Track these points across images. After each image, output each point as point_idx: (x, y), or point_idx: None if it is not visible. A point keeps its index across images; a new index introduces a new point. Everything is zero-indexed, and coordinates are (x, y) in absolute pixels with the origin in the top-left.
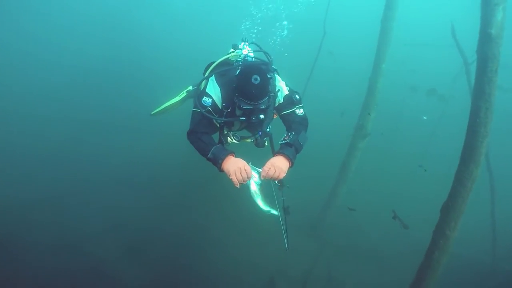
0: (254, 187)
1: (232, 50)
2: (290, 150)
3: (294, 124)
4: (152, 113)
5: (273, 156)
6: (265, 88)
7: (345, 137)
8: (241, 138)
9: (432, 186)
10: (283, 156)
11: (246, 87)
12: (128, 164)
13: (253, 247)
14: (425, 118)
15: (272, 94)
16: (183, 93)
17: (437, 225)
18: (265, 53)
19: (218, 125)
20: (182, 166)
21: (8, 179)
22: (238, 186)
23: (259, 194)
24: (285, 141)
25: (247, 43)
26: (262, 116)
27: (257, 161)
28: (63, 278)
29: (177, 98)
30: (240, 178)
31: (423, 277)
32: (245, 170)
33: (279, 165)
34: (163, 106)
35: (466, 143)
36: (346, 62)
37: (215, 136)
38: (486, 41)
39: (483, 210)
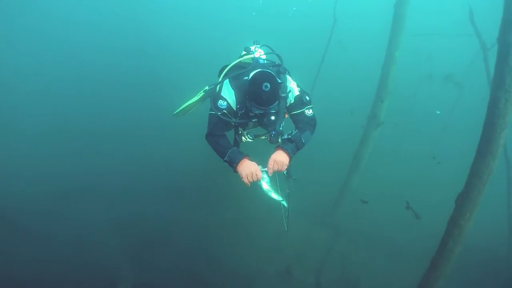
0: (265, 186)
1: (244, 52)
2: (290, 145)
3: (302, 124)
4: (174, 113)
5: (275, 150)
6: (275, 94)
7: (358, 127)
8: (255, 137)
9: (446, 176)
10: (283, 150)
11: (257, 94)
12: (139, 163)
13: (270, 238)
14: (438, 112)
15: (284, 95)
16: (201, 92)
17: (452, 215)
18: (276, 55)
19: (233, 125)
20: (194, 159)
21: (21, 174)
22: (248, 186)
23: (270, 190)
24: (288, 137)
25: (258, 46)
26: (273, 118)
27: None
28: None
29: (196, 98)
30: (250, 180)
31: (436, 267)
32: (256, 174)
33: (279, 159)
34: (183, 106)
35: (484, 134)
36: (357, 50)
37: (231, 135)
38: (509, 29)
39: (499, 202)
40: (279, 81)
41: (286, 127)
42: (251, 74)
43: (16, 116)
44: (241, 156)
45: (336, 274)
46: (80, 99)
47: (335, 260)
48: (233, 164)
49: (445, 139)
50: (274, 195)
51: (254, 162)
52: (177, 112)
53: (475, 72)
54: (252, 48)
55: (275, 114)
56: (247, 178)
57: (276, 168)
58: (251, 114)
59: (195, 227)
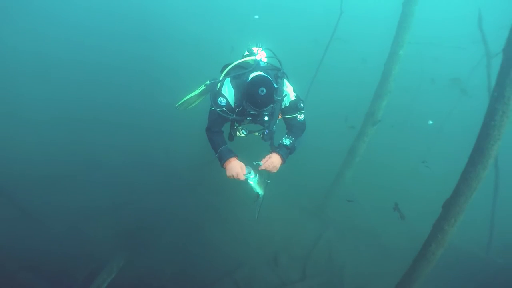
0: (251, 182)
1: (247, 53)
2: (286, 151)
3: (294, 128)
4: (177, 105)
5: (271, 152)
6: (270, 98)
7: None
8: (248, 132)
9: (436, 179)
10: (279, 155)
11: (253, 96)
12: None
13: (259, 225)
14: (430, 122)
15: (279, 98)
16: (202, 86)
17: (437, 219)
18: (277, 59)
19: (230, 120)
20: (185, 148)
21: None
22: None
23: (256, 185)
24: (283, 143)
25: (261, 48)
26: (266, 118)
27: (259, 149)
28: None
29: (197, 91)
30: (232, 178)
31: (417, 266)
32: (238, 175)
33: (274, 162)
34: (185, 98)
35: (477, 144)
36: (359, 46)
37: (227, 128)
38: None
39: (483, 204)
40: (275, 86)
41: (278, 126)
42: (250, 76)
43: (16, 102)
44: (230, 155)
45: (322, 262)
46: (80, 86)
47: (321, 249)
48: (221, 161)
49: (439, 143)
50: (257, 189)
51: (241, 163)
52: (179, 104)
53: (477, 78)
54: (255, 49)
55: (269, 115)
56: (231, 176)
57: (269, 168)
58: (247, 114)
59: (185, 213)
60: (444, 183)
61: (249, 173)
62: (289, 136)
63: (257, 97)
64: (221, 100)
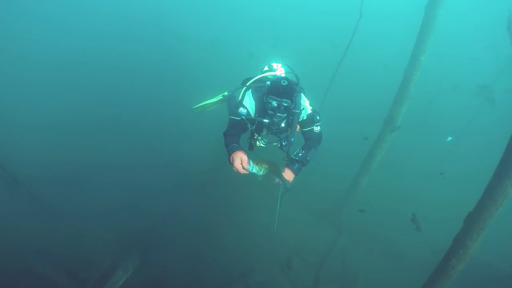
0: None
1: (266, 68)
2: (297, 165)
3: (311, 140)
4: (194, 107)
5: (284, 168)
6: (291, 91)
7: (373, 129)
8: (267, 143)
9: (454, 186)
10: (290, 170)
11: (276, 87)
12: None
13: (271, 229)
14: (449, 139)
15: (298, 111)
16: (220, 96)
17: (458, 233)
18: (295, 74)
19: (250, 131)
20: (201, 151)
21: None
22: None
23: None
24: (295, 158)
25: (280, 65)
26: (283, 125)
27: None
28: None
29: (214, 99)
30: (239, 167)
31: (436, 280)
32: (237, 166)
33: (287, 178)
34: (202, 103)
35: (504, 158)
36: (379, 51)
37: (246, 139)
38: None
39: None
40: (295, 86)
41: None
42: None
43: (29, 107)
44: (234, 150)
45: (336, 269)
46: (92, 90)
47: (335, 255)
48: (229, 155)
49: (457, 150)
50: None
51: (242, 156)
52: (196, 107)
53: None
54: (274, 65)
55: (287, 118)
56: (235, 169)
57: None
58: (265, 120)
59: (198, 215)
60: (461, 190)
61: (251, 165)
62: (302, 150)
63: (279, 86)
64: (241, 111)
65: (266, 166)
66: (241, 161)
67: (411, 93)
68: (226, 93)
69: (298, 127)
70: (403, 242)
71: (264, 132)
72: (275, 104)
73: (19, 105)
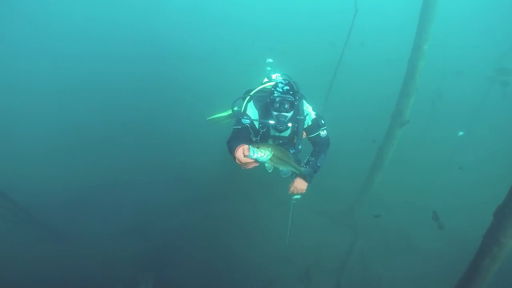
0: (256, 155)
1: (266, 80)
2: (309, 173)
3: (319, 145)
4: (207, 119)
5: (296, 178)
6: (292, 89)
7: (383, 125)
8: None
9: (472, 179)
10: (303, 179)
11: (278, 85)
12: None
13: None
14: (461, 133)
15: (301, 117)
16: (229, 110)
17: (489, 229)
18: (294, 82)
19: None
20: (213, 162)
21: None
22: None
23: (267, 161)
24: (306, 166)
25: (279, 75)
26: (290, 124)
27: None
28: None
29: (225, 113)
30: (241, 157)
31: (469, 283)
32: (239, 157)
33: (300, 186)
34: (215, 116)
35: None
36: (378, 43)
37: None
38: None
39: None
40: (295, 84)
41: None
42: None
43: (30, 133)
44: (238, 145)
45: (357, 273)
46: (100, 107)
47: (355, 260)
48: (232, 154)
49: (470, 139)
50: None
51: (243, 146)
52: (209, 119)
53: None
54: (274, 76)
55: (291, 128)
56: (238, 155)
57: (296, 192)
58: (271, 122)
59: (209, 228)
60: (476, 178)
61: (252, 150)
62: (312, 156)
63: (281, 85)
64: (245, 120)
65: (269, 149)
66: (243, 151)
67: (418, 84)
68: (235, 109)
69: (304, 134)
70: (422, 236)
71: (270, 142)
72: (279, 99)
73: (18, 132)
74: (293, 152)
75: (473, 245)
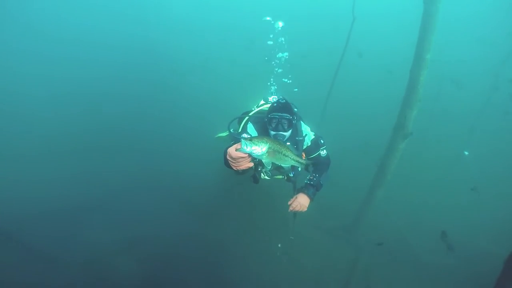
0: (247, 149)
1: (262, 102)
2: (312, 190)
3: (320, 165)
4: (215, 136)
5: (299, 193)
6: (289, 107)
7: (384, 138)
8: (272, 175)
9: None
10: (305, 194)
11: (276, 104)
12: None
13: (289, 257)
14: (466, 153)
15: (300, 138)
16: (227, 132)
17: (511, 255)
18: (291, 104)
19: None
20: (208, 175)
21: (36, 190)
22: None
23: (263, 155)
24: (309, 182)
25: (276, 97)
26: (288, 144)
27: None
28: None
29: (224, 134)
30: (233, 163)
31: None
32: (229, 153)
33: (303, 203)
34: (219, 135)
35: None
36: (376, 52)
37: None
38: None
39: None
40: (293, 107)
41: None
42: None
43: (25, 132)
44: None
45: None
46: (91, 113)
47: (358, 278)
48: (224, 157)
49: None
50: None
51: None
52: (217, 137)
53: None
54: (270, 98)
55: (290, 141)
56: (230, 151)
57: (298, 209)
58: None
59: (203, 252)
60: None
61: (243, 144)
62: (314, 174)
63: (279, 103)
64: (243, 136)
65: (264, 140)
66: (235, 146)
67: (420, 95)
68: (232, 130)
69: (304, 155)
70: (427, 250)
71: (269, 166)
72: (277, 117)
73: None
74: (293, 175)
75: (483, 260)
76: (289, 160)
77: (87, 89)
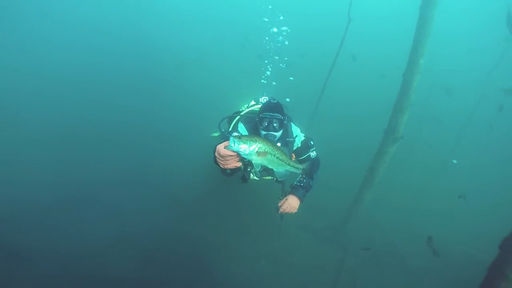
0: (235, 146)
1: (253, 102)
2: (302, 191)
3: (309, 166)
4: (211, 135)
5: (289, 195)
6: (280, 108)
7: (374, 141)
8: (261, 176)
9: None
10: (295, 195)
11: (267, 104)
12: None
13: (275, 260)
14: (455, 162)
15: (291, 139)
16: (218, 132)
17: (495, 262)
18: (282, 104)
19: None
20: (200, 170)
21: (18, 183)
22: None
23: (252, 154)
24: (299, 184)
25: (267, 98)
26: (279, 145)
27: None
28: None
29: (216, 134)
30: (221, 161)
31: None
32: (218, 150)
33: (293, 205)
34: (213, 134)
35: None
36: (371, 56)
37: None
38: None
39: None
40: (284, 108)
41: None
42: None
43: (13, 123)
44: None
45: None
46: (84, 105)
47: (345, 280)
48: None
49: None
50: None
51: (224, 144)
52: (213, 136)
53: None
54: (261, 99)
55: (281, 142)
56: (219, 149)
57: (288, 210)
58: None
59: (191, 252)
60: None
61: (232, 141)
62: (304, 175)
63: (270, 103)
64: (233, 135)
65: (254, 139)
66: (224, 144)
67: (412, 100)
68: (223, 130)
69: (294, 156)
70: (413, 254)
71: (258, 167)
72: (268, 117)
73: None
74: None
75: (467, 266)
76: (283, 164)
77: (74, 76)
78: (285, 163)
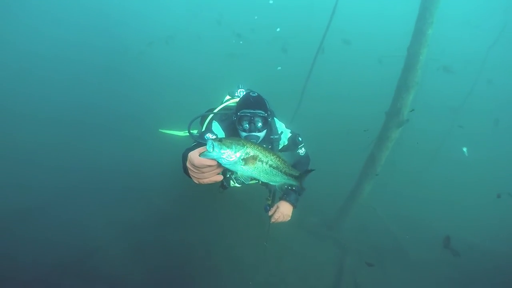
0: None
1: (228, 97)
2: (294, 195)
3: (299, 165)
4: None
5: (280, 202)
6: (262, 101)
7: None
8: (242, 182)
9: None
10: (288, 202)
11: (246, 99)
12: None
13: (270, 262)
14: (464, 150)
15: (276, 136)
16: (187, 132)
17: None
18: (264, 98)
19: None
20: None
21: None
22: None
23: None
24: (290, 188)
25: (243, 90)
26: (260, 130)
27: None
28: None
29: (182, 134)
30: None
31: None
32: (191, 159)
33: (286, 212)
34: (170, 132)
35: None
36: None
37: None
38: None
39: None
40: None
41: None
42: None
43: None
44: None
45: None
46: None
47: (345, 281)
48: (183, 162)
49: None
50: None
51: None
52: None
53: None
54: (237, 93)
55: (265, 142)
56: (192, 157)
57: (281, 219)
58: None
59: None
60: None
61: (210, 146)
62: None
63: (249, 98)
64: (208, 136)
65: (241, 143)
66: (199, 151)
67: (419, 76)
68: (195, 132)
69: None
70: (415, 247)
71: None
72: (249, 115)
73: None
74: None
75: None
76: (278, 174)
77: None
78: (282, 172)
